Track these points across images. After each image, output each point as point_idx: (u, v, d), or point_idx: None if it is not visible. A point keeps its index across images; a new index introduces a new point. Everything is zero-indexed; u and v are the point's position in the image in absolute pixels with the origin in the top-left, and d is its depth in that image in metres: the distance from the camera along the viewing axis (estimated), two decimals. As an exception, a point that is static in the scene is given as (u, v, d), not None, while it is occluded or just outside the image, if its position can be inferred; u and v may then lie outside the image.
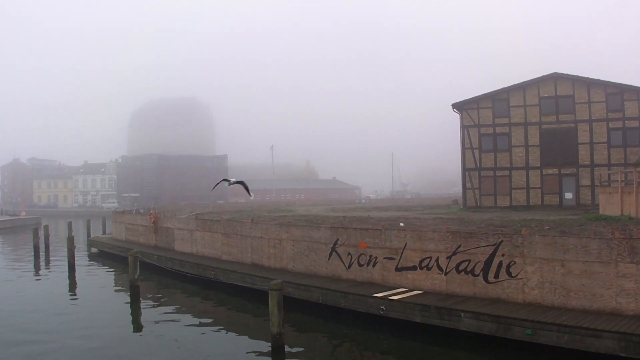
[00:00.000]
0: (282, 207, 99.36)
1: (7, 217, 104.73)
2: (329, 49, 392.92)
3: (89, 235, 59.26)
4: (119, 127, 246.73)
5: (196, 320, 23.90)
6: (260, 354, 18.47)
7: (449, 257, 20.75)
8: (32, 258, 45.38)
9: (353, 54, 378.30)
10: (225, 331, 22.12)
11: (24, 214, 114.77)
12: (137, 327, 23.48)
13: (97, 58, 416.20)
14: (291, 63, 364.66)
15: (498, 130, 57.18)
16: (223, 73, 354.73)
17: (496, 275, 19.30)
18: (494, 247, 19.40)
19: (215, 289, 29.34)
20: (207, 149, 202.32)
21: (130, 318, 24.78)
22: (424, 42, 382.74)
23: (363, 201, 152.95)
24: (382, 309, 20.40)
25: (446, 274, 20.83)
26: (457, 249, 20.52)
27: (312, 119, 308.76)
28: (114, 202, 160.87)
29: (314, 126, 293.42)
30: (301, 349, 19.24)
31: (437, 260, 21.07)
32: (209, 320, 23.88)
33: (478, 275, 19.82)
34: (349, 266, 24.46)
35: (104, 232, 62.90)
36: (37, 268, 41.50)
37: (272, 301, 17.73)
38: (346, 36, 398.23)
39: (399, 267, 22.45)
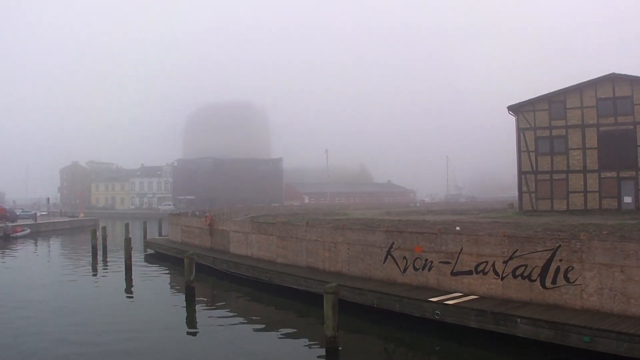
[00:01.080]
0: (336, 210, 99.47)
1: (67, 219, 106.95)
2: (382, 53, 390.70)
3: (145, 236, 60.11)
4: (175, 131, 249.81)
5: (250, 323, 24.10)
6: (315, 357, 18.54)
7: (505, 262, 20.51)
8: (90, 258, 46.30)
9: (405, 57, 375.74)
10: (279, 334, 22.15)
11: (82, 215, 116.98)
12: (192, 328, 23.80)
13: (154, 63, 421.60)
14: (345, 66, 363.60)
15: (555, 132, 56.17)
16: (278, 77, 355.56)
17: (553, 281, 19.02)
18: (551, 252, 19.12)
19: (270, 292, 29.50)
20: (262, 152, 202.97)
21: (185, 319, 25.05)
22: (476, 44, 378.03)
23: (418, 205, 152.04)
24: (438, 314, 20.26)
25: (502, 278, 20.59)
26: (513, 253, 20.28)
27: (367, 122, 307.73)
28: (169, 205, 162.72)
29: (369, 129, 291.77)
30: (355, 353, 19.21)
31: (493, 264, 20.86)
32: (264, 323, 24.03)
33: (535, 280, 19.55)
34: (404, 270, 24.36)
35: (160, 234, 63.82)
36: (94, 268, 42.33)
37: (327, 304, 17.75)
38: (397, 38, 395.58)
39: (454, 271, 22.28)
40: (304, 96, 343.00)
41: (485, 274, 21.08)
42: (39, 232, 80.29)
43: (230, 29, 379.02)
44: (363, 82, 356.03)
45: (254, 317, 25.05)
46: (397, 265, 24.67)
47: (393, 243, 24.97)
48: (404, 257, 24.35)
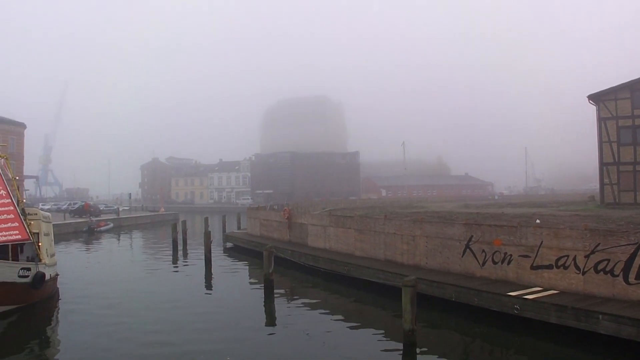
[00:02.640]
0: (414, 203, 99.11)
1: (148, 213, 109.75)
2: (456, 49, 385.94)
3: (224, 230, 61.04)
4: (253, 126, 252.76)
5: (328, 315, 24.28)
6: (392, 350, 18.57)
7: (586, 256, 20.12)
8: (171, 252, 47.36)
9: (478, 50, 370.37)
10: (357, 327, 22.26)
11: (163, 210, 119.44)
12: (271, 320, 24.09)
13: (230, 59, 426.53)
14: (420, 61, 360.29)
15: (638, 122, 54.31)
16: (355, 71, 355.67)
17: (638, 276, 18.53)
18: (635, 247, 18.62)
19: (348, 285, 29.64)
20: (339, 146, 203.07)
21: (263, 311, 25.45)
22: (551, 33, 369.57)
23: (496, 197, 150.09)
24: (517, 308, 20.06)
25: (584, 273, 20.21)
26: (595, 247, 19.87)
27: (444, 114, 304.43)
28: (248, 199, 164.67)
29: (446, 122, 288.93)
30: (433, 347, 19.17)
31: (574, 259, 20.49)
32: (341, 316, 24.14)
33: (618, 275, 19.11)
34: (483, 263, 24.18)
35: (239, 228, 64.63)
36: (175, 262, 43.30)
37: (406, 297, 17.78)
38: (474, 33, 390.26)
39: (534, 265, 21.99)
40: (381, 91, 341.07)
41: (565, 268, 20.74)
42: (121, 227, 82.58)
43: (306, 26, 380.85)
44: (438, 75, 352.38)
45: (331, 310, 25.20)
46: (476, 258, 24.49)
47: (472, 236, 24.81)
48: (483, 251, 24.15)
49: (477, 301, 21.83)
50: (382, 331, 21.34)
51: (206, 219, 61.14)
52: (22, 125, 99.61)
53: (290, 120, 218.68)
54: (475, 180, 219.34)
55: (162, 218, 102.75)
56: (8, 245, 25.55)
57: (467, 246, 24.91)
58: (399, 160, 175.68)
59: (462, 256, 25.21)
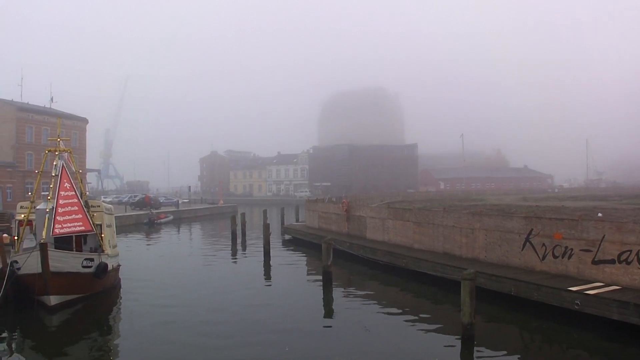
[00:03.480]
0: (472, 196, 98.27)
1: (207, 206, 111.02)
2: (519, 39, 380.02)
3: (282, 222, 61.47)
4: (311, 118, 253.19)
5: (386, 308, 24.34)
6: (450, 343, 18.55)
7: (650, 251, 19.81)
8: (230, 244, 47.94)
9: (540, 43, 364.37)
10: (415, 320, 22.27)
11: (222, 202, 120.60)
12: (328, 312, 24.26)
13: (287, 52, 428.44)
14: (478, 54, 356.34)
15: None
16: (412, 62, 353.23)
17: (703, 271, 18.21)
18: (701, 241, 18.29)
19: (406, 277, 29.68)
20: (397, 138, 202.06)
21: (322, 303, 25.62)
22: (612, 24, 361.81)
23: (556, 190, 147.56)
24: (577, 304, 19.82)
25: (647, 268, 19.91)
26: (659, 242, 19.54)
27: (503, 105, 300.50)
28: (306, 191, 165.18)
29: (505, 113, 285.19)
30: (491, 341, 19.11)
31: (637, 254, 20.12)
32: (399, 309, 24.21)
33: (683, 270, 18.79)
34: (543, 257, 23.96)
35: (297, 220, 65.09)
36: (234, 253, 43.87)
37: (465, 291, 17.78)
38: (534, 27, 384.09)
39: (595, 260, 21.70)
40: (439, 82, 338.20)
41: (629, 263, 20.41)
42: (181, 219, 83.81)
43: (363, 18, 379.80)
44: (498, 66, 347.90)
45: (389, 303, 25.27)
46: (536, 252, 24.28)
47: (532, 229, 24.59)
48: (543, 244, 23.93)
49: (537, 296, 21.65)
50: (440, 325, 21.35)
51: (265, 212, 61.67)
52: (85, 120, 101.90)
53: (347, 113, 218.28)
54: (534, 173, 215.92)
55: (221, 210, 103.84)
56: (72, 236, 26.29)
57: (527, 240, 24.72)
58: (457, 152, 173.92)
59: (521, 250, 25.03)
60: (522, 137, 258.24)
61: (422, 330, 20.92)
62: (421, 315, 22.89)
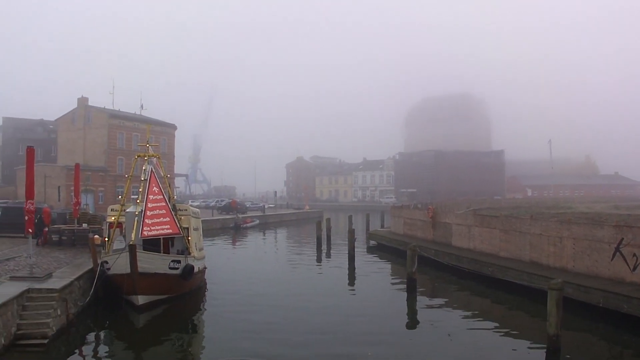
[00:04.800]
0: (560, 203, 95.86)
1: (292, 211, 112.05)
2: (609, 39, 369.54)
3: (368, 228, 61.47)
4: (396, 124, 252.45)
5: (470, 316, 24.06)
6: (535, 355, 18.22)
7: None
8: (315, 249, 48.17)
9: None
10: (499, 329, 21.95)
11: (307, 207, 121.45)
12: (412, 319, 24.18)
13: (375, 58, 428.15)
14: (565, 58, 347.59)
15: None
16: (498, 67, 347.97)
17: None
18: None
19: (491, 286, 29.27)
20: (483, 144, 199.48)
21: (406, 310, 25.52)
22: None
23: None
24: (670, 317, 19.16)
25: None
26: None
27: (592, 111, 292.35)
28: (391, 197, 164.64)
29: (594, 118, 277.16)
30: (578, 354, 18.64)
31: None
32: (483, 317, 23.93)
33: None
34: (634, 268, 23.19)
35: (382, 226, 64.96)
36: (319, 258, 44.11)
37: (551, 301, 17.41)
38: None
39: (690, 271, 20.93)
40: (526, 87, 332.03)
41: None
42: (266, 224, 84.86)
43: (448, 23, 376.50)
44: (589, 67, 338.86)
45: (473, 311, 24.99)
46: (626, 262, 23.54)
47: (622, 239, 23.86)
48: (634, 254, 23.17)
49: (627, 308, 20.96)
50: (525, 335, 20.93)
51: (350, 217, 61.76)
52: (173, 127, 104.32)
53: (433, 119, 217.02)
54: (626, 180, 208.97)
55: (307, 216, 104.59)
56: (160, 238, 27.02)
57: (617, 249, 23.99)
58: (545, 158, 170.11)
59: (611, 260, 24.31)
60: (614, 143, 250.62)
61: (506, 340, 20.55)
62: (506, 325, 22.58)
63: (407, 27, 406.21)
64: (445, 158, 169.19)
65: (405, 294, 27.40)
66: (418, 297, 26.99)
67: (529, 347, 19.20)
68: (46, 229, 35.73)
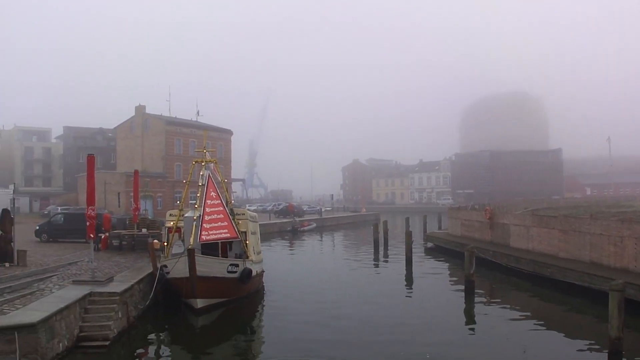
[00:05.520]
0: (621, 202, 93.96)
1: (349, 214, 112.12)
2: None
3: (425, 230, 61.17)
4: (452, 125, 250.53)
5: (529, 318, 23.81)
6: (596, 358, 17.90)
7: None
8: (372, 251, 48.08)
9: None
10: (559, 332, 21.58)
11: (364, 210, 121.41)
12: (470, 321, 23.95)
13: (430, 57, 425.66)
14: (625, 53, 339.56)
15: None
16: (554, 65, 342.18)
17: None
18: None
19: (551, 287, 28.87)
20: (540, 143, 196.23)
21: (463, 312, 25.29)
22: None
23: None
24: None
25: None
26: None
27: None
28: (448, 199, 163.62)
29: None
30: (642, 356, 18.26)
31: None
32: (543, 320, 23.54)
33: None
34: (699, 268, 22.67)
35: (440, 228, 64.59)
36: (376, 260, 44.03)
37: (613, 303, 17.07)
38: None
39: None
40: (583, 83, 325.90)
41: None
42: (323, 227, 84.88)
43: (504, 22, 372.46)
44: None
45: (532, 313, 24.70)
46: (691, 262, 23.00)
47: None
48: (699, 254, 22.64)
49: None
50: (586, 338, 20.59)
51: (407, 219, 61.64)
52: (229, 132, 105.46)
53: (489, 118, 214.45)
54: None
55: (364, 218, 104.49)
56: (218, 242, 27.32)
57: (681, 249, 23.45)
58: (604, 156, 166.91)
59: (675, 259, 23.78)
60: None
61: (566, 343, 20.24)
62: (566, 327, 22.24)
63: (463, 28, 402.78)
64: (502, 158, 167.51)
65: (463, 296, 27.15)
66: (476, 299, 26.74)
67: (590, 350, 18.85)
68: (107, 234, 36.42)
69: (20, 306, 17.94)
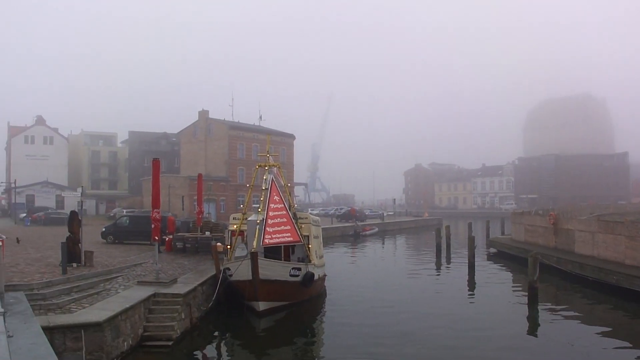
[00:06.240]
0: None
1: (411, 218, 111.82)
2: None
3: (488, 235, 60.54)
4: (515, 128, 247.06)
5: (594, 327, 23.35)
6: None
7: None
8: (434, 256, 47.82)
9: None
10: (625, 341, 21.12)
11: (427, 215, 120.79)
12: (533, 328, 23.62)
13: (491, 62, 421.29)
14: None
15: None
16: (619, 65, 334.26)
17: None
18: None
19: (617, 295, 28.27)
20: (606, 146, 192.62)
21: (527, 319, 24.91)
22: None
23: None
24: None
25: None
26: None
27: None
28: (511, 203, 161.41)
29: None
30: None
31: None
32: (608, 328, 23.10)
33: None
34: None
35: (503, 233, 63.79)
36: (438, 266, 43.81)
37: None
38: None
39: None
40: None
41: None
42: (385, 231, 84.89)
43: (568, 21, 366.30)
44: None
45: (598, 322, 24.27)
46: None
47: None
48: None
49: None
50: (655, 347, 20.12)
51: (469, 224, 61.08)
52: (292, 136, 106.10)
53: (553, 121, 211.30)
54: None
55: (426, 223, 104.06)
56: (281, 246, 27.51)
57: None
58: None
59: None
60: None
61: (631, 354, 19.78)
62: (632, 336, 21.83)
63: (527, 29, 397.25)
64: (567, 162, 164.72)
65: (526, 303, 26.77)
66: (540, 306, 26.29)
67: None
68: (171, 236, 36.99)
69: (87, 305, 18.48)
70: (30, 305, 16.12)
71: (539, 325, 23.95)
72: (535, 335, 22.49)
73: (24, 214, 77.24)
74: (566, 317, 25.14)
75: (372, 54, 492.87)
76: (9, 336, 10.77)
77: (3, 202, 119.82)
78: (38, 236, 46.77)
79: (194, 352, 19.99)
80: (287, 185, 30.67)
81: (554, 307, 27.66)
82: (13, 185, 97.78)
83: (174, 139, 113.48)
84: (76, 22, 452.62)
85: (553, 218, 41.80)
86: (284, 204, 26.97)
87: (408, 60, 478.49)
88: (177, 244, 36.44)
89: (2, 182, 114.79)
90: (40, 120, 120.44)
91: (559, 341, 21.02)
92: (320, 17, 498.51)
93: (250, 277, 23.74)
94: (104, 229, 44.28)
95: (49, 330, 14.27)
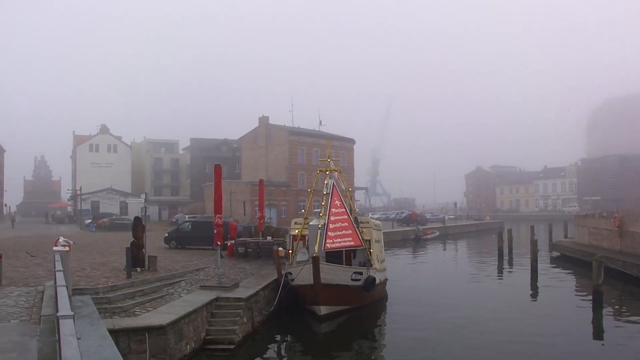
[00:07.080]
0: None
1: (473, 222, 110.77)
2: None
3: (550, 238, 59.64)
4: (578, 129, 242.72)
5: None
6: None
7: None
8: (496, 260, 47.30)
9: None
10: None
11: (488, 218, 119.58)
12: (598, 333, 23.28)
13: (553, 63, 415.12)
14: None
15: None
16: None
17: None
18: None
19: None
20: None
21: (591, 324, 24.53)
22: None
23: None
24: None
25: None
26: None
27: None
28: (574, 206, 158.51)
29: None
30: None
31: None
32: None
33: None
34: None
35: (566, 236, 62.74)
36: (500, 270, 43.37)
37: None
38: None
39: None
40: None
41: None
42: (447, 235, 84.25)
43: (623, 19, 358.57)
44: None
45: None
46: None
47: None
48: None
49: None
50: None
51: (532, 227, 60.19)
52: (352, 141, 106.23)
53: (618, 121, 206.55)
54: None
55: (487, 226, 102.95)
56: (342, 250, 27.56)
57: None
58: None
59: None
60: None
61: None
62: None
63: (590, 28, 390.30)
64: (632, 163, 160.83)
65: (590, 307, 26.33)
66: (604, 311, 25.86)
67: None
68: (232, 241, 37.36)
69: (151, 309, 18.87)
70: (97, 308, 16.52)
71: (604, 330, 23.57)
72: (601, 342, 22.13)
73: (89, 220, 78.74)
74: (632, 323, 24.72)
75: (439, 55, 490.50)
76: (77, 338, 11.06)
77: (69, 208, 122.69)
78: (103, 241, 47.72)
79: (256, 356, 20.27)
80: (347, 189, 30.77)
81: (619, 312, 27.21)
82: (79, 192, 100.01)
83: (234, 145, 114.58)
84: (149, 31, 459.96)
85: (618, 220, 40.91)
86: (345, 209, 27.08)
87: (474, 63, 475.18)
88: (239, 248, 36.78)
89: (68, 190, 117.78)
90: (104, 129, 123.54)
91: (625, 347, 20.70)
92: (388, 19, 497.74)
93: (312, 282, 23.90)
94: (166, 234, 45.00)
95: (114, 333, 14.61)
